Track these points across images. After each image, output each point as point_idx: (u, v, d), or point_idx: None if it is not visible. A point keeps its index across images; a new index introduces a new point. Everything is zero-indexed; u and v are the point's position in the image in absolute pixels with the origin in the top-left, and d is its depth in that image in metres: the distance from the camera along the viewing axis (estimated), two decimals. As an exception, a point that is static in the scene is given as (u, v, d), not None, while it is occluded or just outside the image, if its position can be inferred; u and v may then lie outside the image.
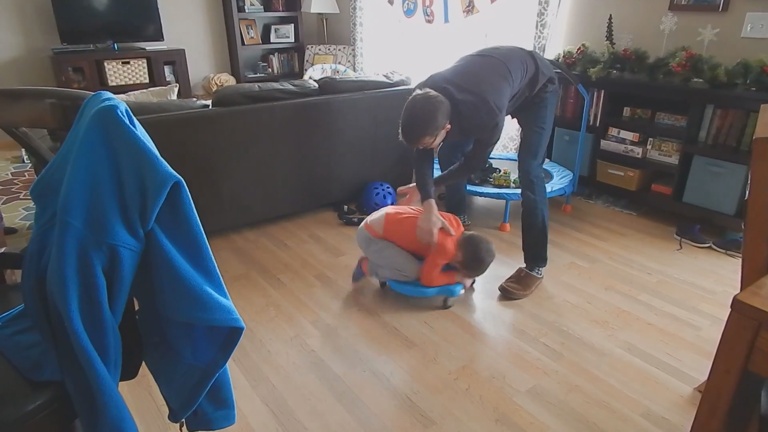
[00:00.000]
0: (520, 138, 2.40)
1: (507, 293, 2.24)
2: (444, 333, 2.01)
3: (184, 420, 0.98)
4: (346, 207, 3.11)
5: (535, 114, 2.28)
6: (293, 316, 2.12)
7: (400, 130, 2.01)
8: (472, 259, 2.10)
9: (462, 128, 2.08)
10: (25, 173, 3.82)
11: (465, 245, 2.11)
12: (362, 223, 2.27)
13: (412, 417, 1.59)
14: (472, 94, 2.01)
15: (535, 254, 2.34)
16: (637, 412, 1.62)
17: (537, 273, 2.34)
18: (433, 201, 2.13)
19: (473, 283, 2.33)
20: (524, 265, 2.37)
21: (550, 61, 2.44)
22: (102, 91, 0.91)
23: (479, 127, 2.05)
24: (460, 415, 1.60)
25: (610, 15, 3.12)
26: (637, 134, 3.00)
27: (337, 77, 2.98)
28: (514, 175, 2.95)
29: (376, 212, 2.28)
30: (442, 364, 1.83)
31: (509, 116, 2.32)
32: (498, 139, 2.12)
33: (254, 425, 1.56)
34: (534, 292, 2.29)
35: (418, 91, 1.99)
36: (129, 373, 0.96)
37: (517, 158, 2.33)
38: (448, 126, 2.01)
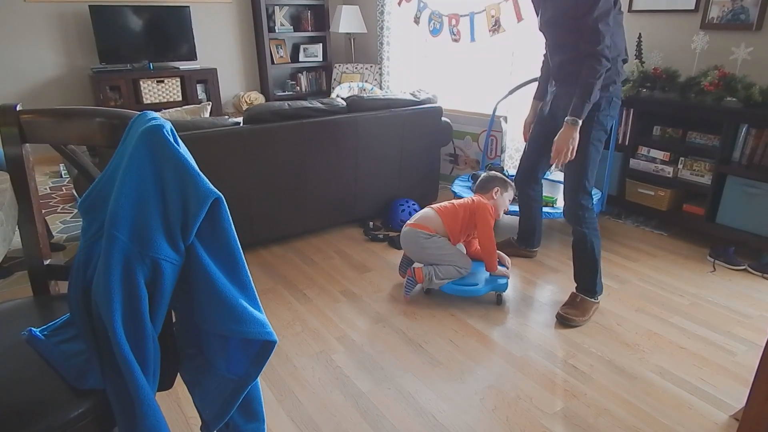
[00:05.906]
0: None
1: (565, 320, 2.16)
2: (470, 352, 1.99)
3: (215, 432, 0.99)
4: (371, 223, 3.13)
5: (587, 122, 2.01)
6: (319, 331, 2.14)
7: None
8: (502, 183, 2.42)
9: None
10: (63, 188, 3.97)
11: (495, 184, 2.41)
12: (407, 226, 2.37)
13: (438, 436, 1.58)
14: None
15: (585, 285, 2.23)
16: (670, 439, 1.57)
17: (592, 298, 2.24)
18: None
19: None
20: (574, 290, 2.28)
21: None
22: (147, 111, 0.96)
23: None
24: (486, 436, 1.58)
25: (640, 33, 3.11)
26: (668, 153, 2.96)
27: (365, 95, 3.03)
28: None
29: (416, 214, 2.43)
30: (468, 383, 1.82)
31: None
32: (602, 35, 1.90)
33: (280, 439, 1.57)
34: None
35: None
36: (165, 383, 0.98)
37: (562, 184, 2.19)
38: None
